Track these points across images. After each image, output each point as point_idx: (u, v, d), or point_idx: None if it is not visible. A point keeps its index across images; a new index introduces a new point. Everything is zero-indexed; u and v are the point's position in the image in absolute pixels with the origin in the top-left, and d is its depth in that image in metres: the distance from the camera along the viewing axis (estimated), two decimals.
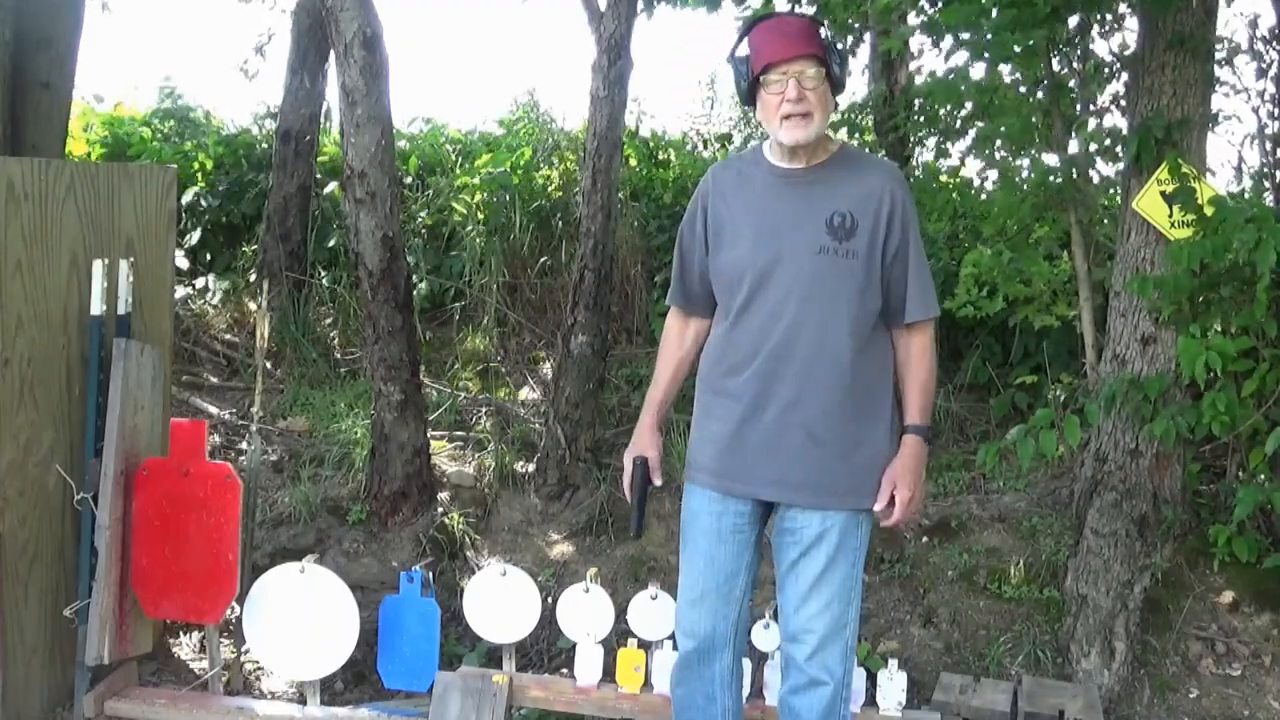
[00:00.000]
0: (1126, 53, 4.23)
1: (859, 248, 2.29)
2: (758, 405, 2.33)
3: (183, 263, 6.20)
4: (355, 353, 5.72)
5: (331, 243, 6.22)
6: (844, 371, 2.30)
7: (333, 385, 5.39)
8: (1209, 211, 3.46)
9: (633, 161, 6.64)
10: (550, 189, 6.28)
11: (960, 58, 4.45)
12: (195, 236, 6.44)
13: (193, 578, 3.02)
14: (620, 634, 3.21)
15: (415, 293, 4.90)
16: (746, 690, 2.87)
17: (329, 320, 6.03)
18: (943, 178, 5.78)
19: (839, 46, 2.31)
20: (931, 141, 5.46)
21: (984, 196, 5.41)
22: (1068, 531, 3.90)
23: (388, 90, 3.94)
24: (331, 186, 6.25)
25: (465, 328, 5.92)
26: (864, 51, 6.04)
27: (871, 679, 3.08)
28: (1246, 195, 4.17)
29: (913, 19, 4.77)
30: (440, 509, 4.16)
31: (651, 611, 3.13)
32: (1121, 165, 4.12)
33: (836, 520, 2.32)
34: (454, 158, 6.80)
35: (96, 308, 3.05)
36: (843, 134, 6.16)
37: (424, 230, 6.28)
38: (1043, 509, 4.11)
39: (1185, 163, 3.61)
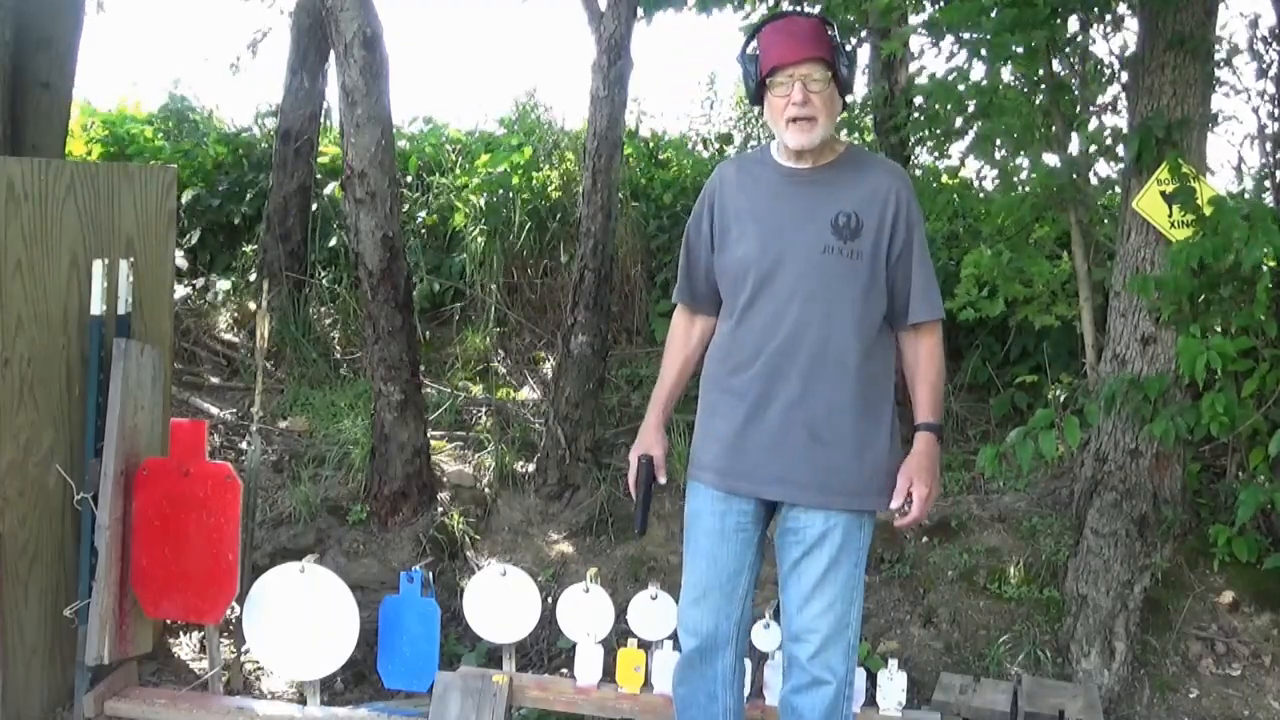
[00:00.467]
0: (1126, 53, 4.23)
1: (864, 248, 2.29)
2: (761, 404, 2.34)
3: (183, 263, 6.20)
4: (355, 353, 5.72)
5: (331, 243, 6.22)
6: (848, 371, 2.30)
7: (333, 385, 5.39)
8: (1209, 211, 3.46)
9: (632, 161, 6.64)
10: (550, 189, 6.28)
11: (961, 58, 4.46)
12: (195, 236, 6.44)
13: (193, 578, 3.02)
14: (620, 634, 3.21)
15: (415, 293, 4.89)
16: (747, 690, 2.87)
17: (329, 320, 6.03)
18: (944, 179, 5.78)
19: (846, 48, 2.31)
20: (931, 142, 5.45)
21: (982, 196, 5.42)
22: (1068, 531, 3.90)
23: (388, 90, 3.94)
24: (331, 186, 6.25)
25: (465, 328, 5.92)
26: (864, 51, 6.04)
27: (871, 679, 3.08)
28: (1246, 195, 4.17)
29: (913, 18, 4.77)
30: (440, 509, 4.16)
31: (651, 611, 3.13)
32: (1121, 165, 4.12)
33: (840, 520, 2.32)
34: (454, 158, 6.80)
35: (96, 308, 3.05)
36: (842, 134, 6.15)
37: (424, 230, 6.28)
38: (1043, 509, 4.11)
39: (1185, 163, 3.61)
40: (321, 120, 6.30)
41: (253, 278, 6.19)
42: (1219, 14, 3.89)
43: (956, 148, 5.20)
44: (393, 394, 4.03)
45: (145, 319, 3.26)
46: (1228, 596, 3.65)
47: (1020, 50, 3.94)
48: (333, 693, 3.40)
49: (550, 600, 3.45)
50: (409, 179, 6.44)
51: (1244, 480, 3.72)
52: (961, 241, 5.59)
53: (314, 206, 6.23)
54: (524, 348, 5.94)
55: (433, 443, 4.40)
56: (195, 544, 3.02)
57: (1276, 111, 4.09)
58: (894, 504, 2.33)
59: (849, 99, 2.44)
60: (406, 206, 6.18)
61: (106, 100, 7.58)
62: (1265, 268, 3.46)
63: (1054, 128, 4.27)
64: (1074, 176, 4.24)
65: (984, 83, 4.49)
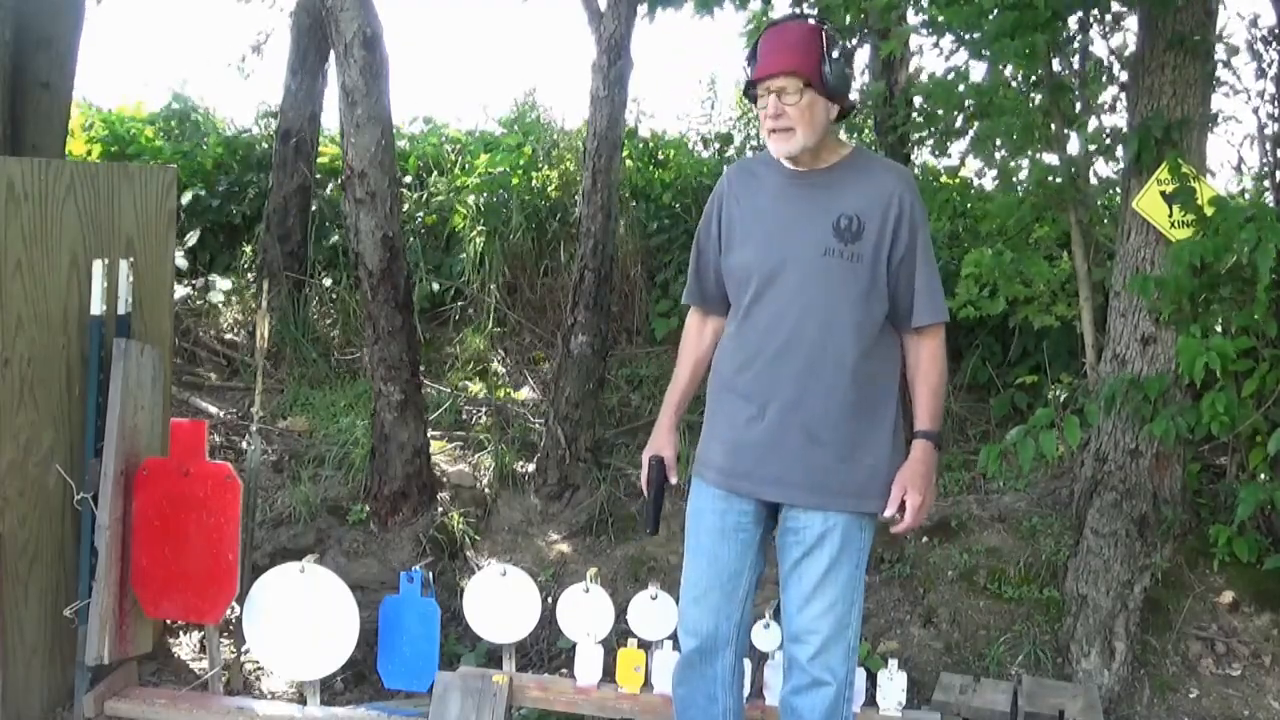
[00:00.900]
0: (1126, 53, 4.23)
1: (865, 250, 2.29)
2: (761, 405, 2.35)
3: (183, 263, 6.20)
4: (355, 353, 5.72)
5: (331, 242, 6.22)
6: (847, 373, 2.30)
7: (333, 385, 5.39)
8: (1209, 211, 3.46)
9: (631, 162, 6.64)
10: (550, 189, 6.28)
11: (960, 58, 4.46)
12: (195, 236, 6.44)
13: (193, 578, 3.02)
14: (620, 634, 3.21)
15: (415, 293, 4.90)
16: (747, 691, 2.87)
17: (329, 320, 6.03)
18: (943, 179, 5.78)
19: (834, 55, 2.27)
20: (931, 141, 5.45)
21: (982, 197, 5.42)
22: (1068, 531, 3.90)
23: (388, 90, 3.94)
24: (331, 186, 6.25)
25: (465, 328, 5.92)
26: (864, 51, 6.04)
27: (871, 679, 3.08)
28: (1246, 195, 4.17)
29: (912, 18, 4.77)
30: (440, 509, 4.16)
31: (651, 611, 3.13)
32: (1121, 165, 4.12)
33: (839, 521, 2.32)
34: (454, 158, 6.80)
35: (96, 308, 3.05)
36: (840, 133, 6.15)
37: (424, 230, 6.28)
38: (1043, 509, 4.11)
39: (1185, 163, 3.61)
40: (321, 120, 6.30)
41: (253, 278, 6.19)
42: (1219, 14, 3.89)
43: (956, 147, 5.21)
44: (393, 394, 4.03)
45: (145, 319, 3.26)
46: (1228, 596, 3.65)
47: (1020, 50, 3.94)
48: (333, 693, 3.40)
49: (550, 600, 3.45)
50: (409, 179, 6.44)
51: (1244, 480, 3.72)
52: (962, 241, 5.59)
53: (314, 206, 6.23)
54: (524, 348, 5.94)
55: (433, 443, 4.40)
56: (195, 544, 3.02)
57: (1276, 111, 4.09)
58: (887, 512, 2.32)
59: (853, 99, 2.44)
60: (406, 206, 6.18)
61: (108, 100, 7.59)
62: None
63: (1053, 128, 4.27)
64: (1074, 176, 4.24)
65: (983, 83, 4.50)
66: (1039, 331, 4.97)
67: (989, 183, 5.32)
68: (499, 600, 3.15)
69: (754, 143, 7.28)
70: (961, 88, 4.56)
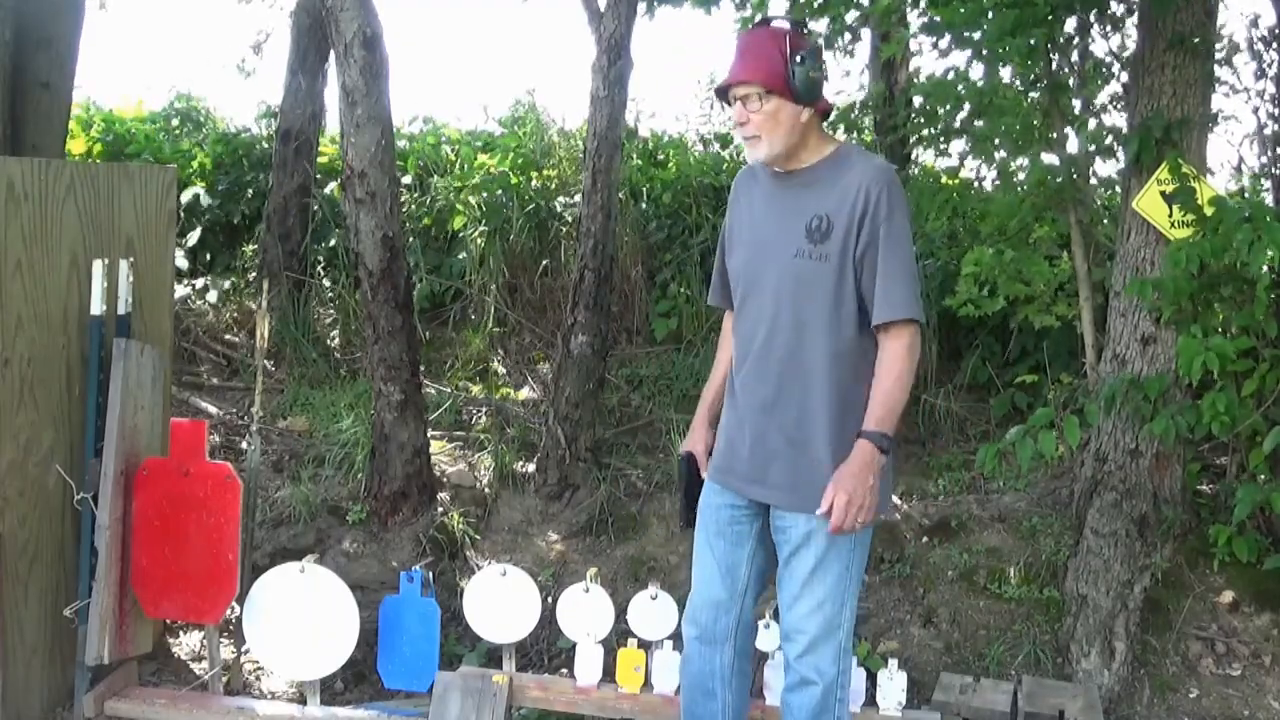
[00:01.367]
0: (1126, 53, 4.23)
1: (832, 250, 2.28)
2: (747, 405, 2.40)
3: (183, 263, 6.20)
4: (355, 353, 5.72)
5: (331, 243, 6.21)
6: (821, 375, 2.31)
7: (333, 385, 5.39)
8: (1209, 211, 3.46)
9: (635, 161, 6.64)
10: (550, 189, 6.28)
11: (959, 58, 4.46)
12: (195, 236, 6.44)
13: (193, 578, 3.02)
14: (620, 634, 3.21)
15: (415, 293, 4.90)
16: None
17: (329, 320, 6.03)
18: (943, 179, 5.77)
19: (799, 58, 2.24)
20: (929, 141, 5.45)
21: (982, 197, 5.41)
22: (1068, 531, 3.90)
23: (388, 90, 3.94)
24: (331, 186, 6.25)
25: (465, 328, 5.92)
26: (864, 51, 6.04)
27: (871, 679, 3.08)
28: (1246, 195, 4.17)
29: (912, 18, 4.77)
30: (440, 509, 4.16)
31: (651, 611, 3.13)
32: (1121, 165, 4.12)
33: (822, 523, 2.29)
34: (453, 158, 6.80)
35: (96, 308, 3.05)
36: (839, 134, 6.15)
37: (424, 230, 6.28)
38: (1043, 509, 4.11)
39: (1185, 163, 3.61)
40: (322, 120, 6.30)
41: (253, 278, 6.19)
42: (1219, 14, 3.89)
43: (956, 147, 5.20)
44: (393, 394, 4.03)
45: (145, 319, 3.26)
46: (1228, 596, 3.65)
47: (1019, 50, 3.94)
48: (333, 693, 3.40)
49: (550, 600, 3.45)
50: (409, 179, 6.44)
51: (1244, 480, 3.72)
52: (961, 241, 5.59)
53: (314, 206, 6.23)
54: (523, 348, 5.94)
55: (433, 443, 4.40)
56: (195, 544, 3.02)
57: (1276, 111, 4.09)
58: (819, 510, 2.23)
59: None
60: (407, 207, 6.18)
61: (109, 99, 7.59)
62: (1266, 268, 3.46)
63: (1053, 128, 4.27)
64: (1074, 176, 4.24)
65: (982, 82, 4.50)
66: (1039, 331, 4.97)
67: (989, 184, 5.31)
68: (499, 600, 3.15)
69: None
70: (961, 88, 4.56)
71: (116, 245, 3.16)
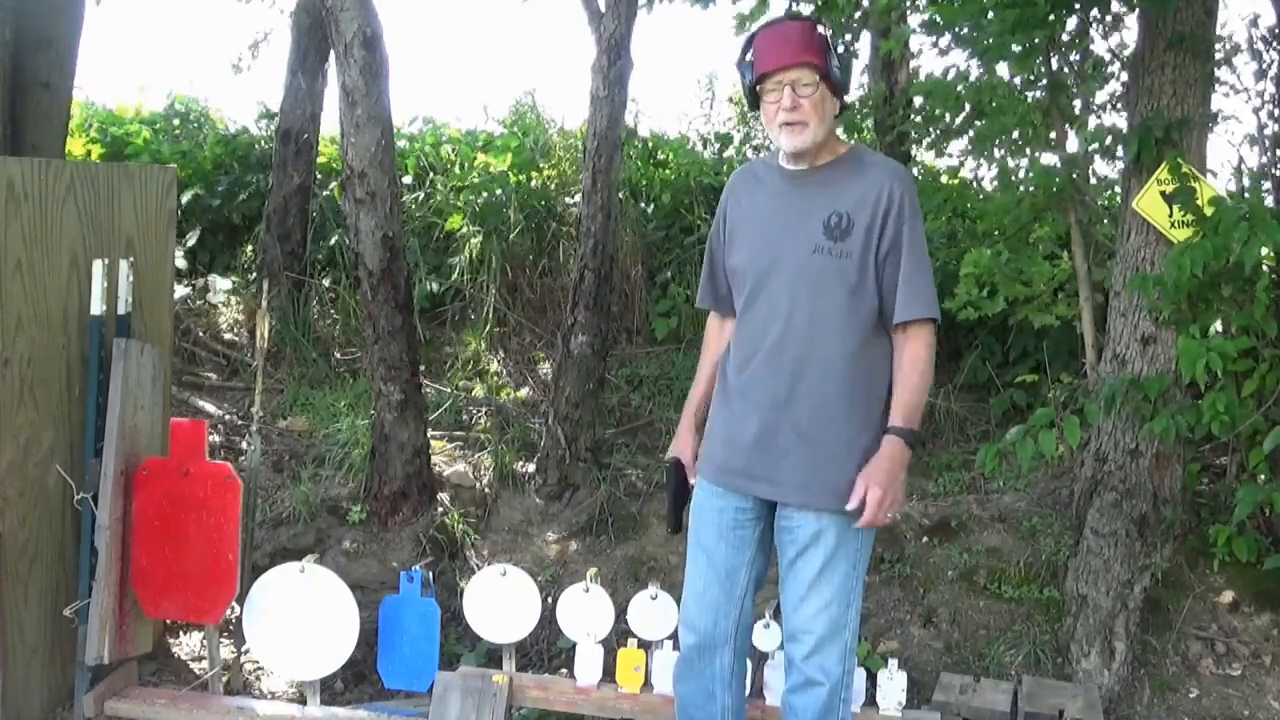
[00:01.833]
0: (1126, 52, 4.23)
1: (853, 248, 2.29)
2: (756, 403, 2.37)
3: (182, 263, 6.20)
4: (355, 353, 5.72)
5: (332, 243, 6.21)
6: (836, 372, 2.31)
7: (333, 385, 5.39)
8: (1209, 212, 3.46)
9: (632, 160, 6.64)
10: (549, 189, 6.28)
11: (959, 58, 4.47)
12: (195, 236, 6.44)
13: (193, 578, 3.02)
14: (620, 634, 3.21)
15: (415, 293, 4.89)
16: (747, 691, 2.87)
17: (329, 320, 6.02)
18: (943, 179, 5.78)
19: (839, 50, 2.31)
20: (929, 140, 5.45)
21: (982, 197, 5.41)
22: (1068, 531, 3.90)
23: (388, 90, 3.94)
24: (331, 186, 6.25)
25: (464, 328, 5.92)
26: (864, 51, 6.04)
27: (871, 679, 3.08)
28: (1246, 195, 4.17)
29: (912, 18, 4.77)
30: (440, 509, 4.16)
31: (651, 611, 3.13)
32: (1121, 165, 4.12)
33: (832, 521, 2.31)
34: (453, 158, 6.80)
35: (96, 308, 3.05)
36: (840, 133, 6.14)
37: (423, 230, 6.28)
38: (1043, 509, 4.11)
39: (1185, 163, 3.61)
40: (321, 120, 6.29)
41: (253, 278, 6.19)
42: (1219, 13, 3.89)
43: (956, 147, 5.21)
44: (393, 394, 4.03)
45: (145, 319, 3.26)
46: (1228, 596, 3.65)
47: (1019, 50, 3.94)
48: (333, 693, 3.40)
49: (550, 600, 3.45)
50: (409, 179, 6.44)
51: (1244, 480, 3.72)
52: (961, 241, 5.59)
53: (314, 207, 6.23)
54: (523, 348, 5.94)
55: (433, 443, 4.40)
56: (195, 544, 3.02)
57: (1276, 111, 4.09)
58: (849, 505, 2.27)
59: (848, 98, 2.45)
60: (407, 207, 6.18)
61: (108, 99, 7.58)
62: (1265, 268, 3.46)
63: (1053, 127, 4.27)
64: (1073, 176, 4.24)
65: (981, 83, 4.50)
66: (1039, 331, 4.97)
67: (989, 184, 5.31)
68: (499, 600, 3.15)
69: (754, 142, 7.28)
70: (961, 88, 4.56)
71: (116, 245, 3.15)
